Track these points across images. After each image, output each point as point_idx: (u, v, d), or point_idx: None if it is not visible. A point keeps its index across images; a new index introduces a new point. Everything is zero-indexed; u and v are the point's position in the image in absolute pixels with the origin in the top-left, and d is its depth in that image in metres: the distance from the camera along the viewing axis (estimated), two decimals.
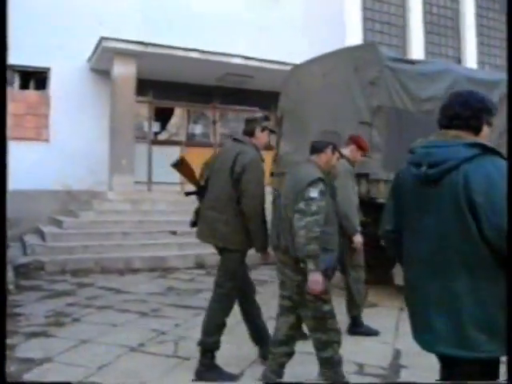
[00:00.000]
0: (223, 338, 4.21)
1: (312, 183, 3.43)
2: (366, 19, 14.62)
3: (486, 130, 2.30)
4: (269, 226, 4.04)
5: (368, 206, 6.58)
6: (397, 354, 4.87)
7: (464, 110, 2.26)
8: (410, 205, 2.36)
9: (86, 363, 4.45)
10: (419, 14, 15.36)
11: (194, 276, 8.80)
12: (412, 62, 6.82)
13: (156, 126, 13.72)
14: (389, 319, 6.07)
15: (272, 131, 4.40)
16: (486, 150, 2.17)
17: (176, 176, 11.74)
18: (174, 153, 12.62)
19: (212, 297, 4.17)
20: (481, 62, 16.42)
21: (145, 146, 12.97)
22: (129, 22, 11.96)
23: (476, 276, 2.13)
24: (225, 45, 11.81)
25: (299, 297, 3.54)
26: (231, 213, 3.95)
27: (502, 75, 8.79)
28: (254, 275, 8.99)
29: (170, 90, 13.11)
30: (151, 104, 13.31)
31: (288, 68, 8.59)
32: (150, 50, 11.22)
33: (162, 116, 13.86)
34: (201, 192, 4.22)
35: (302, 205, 3.38)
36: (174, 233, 10.23)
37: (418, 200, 2.29)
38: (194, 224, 4.30)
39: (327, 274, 3.41)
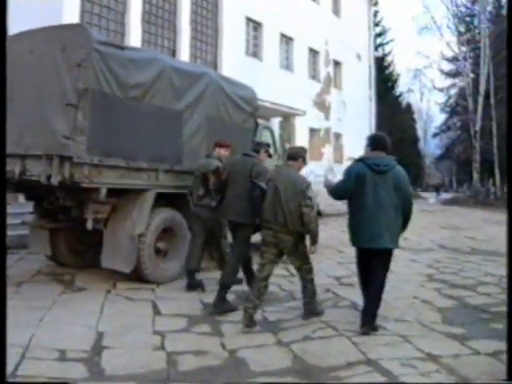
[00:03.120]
0: None
1: (309, 186, 5.39)
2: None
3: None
4: None
5: (70, 190, 6.42)
6: (100, 337, 4.88)
7: (382, 143, 5.38)
8: (369, 182, 5.13)
9: None
10: (138, 2, 15.44)
11: None
12: (122, 48, 6.77)
13: None
14: (95, 302, 6.05)
15: (270, 155, 6.86)
16: (397, 162, 5.30)
17: None
18: None
19: (230, 255, 6.41)
20: (193, 56, 17.26)
21: None
22: None
23: (396, 214, 5.15)
24: None
25: (293, 249, 5.46)
26: (249, 201, 5.88)
27: (206, 69, 9.41)
28: None
29: None
30: None
31: None
32: None
33: None
34: (222, 187, 6.28)
35: (308, 202, 5.27)
36: None
37: (374, 182, 5.14)
38: (216, 208, 6.56)
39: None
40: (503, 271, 8.83)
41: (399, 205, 5.15)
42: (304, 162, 5.67)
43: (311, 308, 5.66)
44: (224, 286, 5.94)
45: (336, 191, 5.47)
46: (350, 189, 5.22)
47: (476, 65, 35.09)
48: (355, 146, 27.09)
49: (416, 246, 11.97)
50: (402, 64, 77.94)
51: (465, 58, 35.44)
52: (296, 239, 5.41)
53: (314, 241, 5.39)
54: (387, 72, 43.43)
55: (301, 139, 22.41)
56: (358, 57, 29.47)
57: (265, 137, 10.20)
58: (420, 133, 54.70)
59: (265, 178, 5.77)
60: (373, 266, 5.26)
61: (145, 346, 4.68)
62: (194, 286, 6.87)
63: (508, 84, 4.37)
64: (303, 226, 5.27)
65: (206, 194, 6.94)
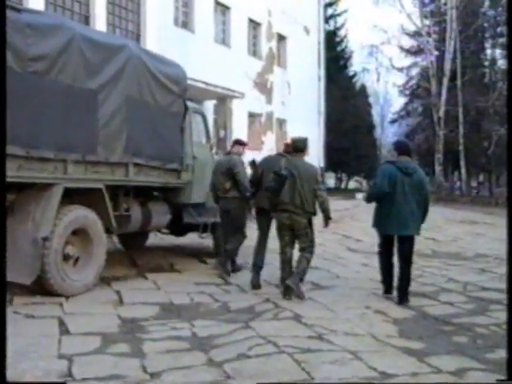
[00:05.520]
0: None
1: (319, 172, 7.96)
2: None
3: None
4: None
5: None
6: None
7: (408, 149, 7.85)
8: (399, 183, 7.30)
9: None
10: None
11: None
12: (18, 10, 6.51)
13: None
14: None
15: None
16: (419, 166, 8.82)
17: None
18: None
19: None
20: (111, 25, 16.85)
21: None
22: None
23: (418, 207, 7.42)
24: None
25: (304, 231, 7.48)
26: None
27: (125, 40, 9.28)
28: None
29: None
30: None
31: None
32: None
33: None
34: (258, 180, 8.34)
35: (321, 186, 7.60)
36: None
37: (403, 181, 7.32)
38: (253, 196, 8.60)
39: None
40: (468, 277, 9.18)
41: (421, 200, 7.42)
42: (307, 152, 7.96)
43: (298, 286, 7.37)
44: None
45: (375, 192, 7.62)
46: (386, 188, 7.35)
47: (441, 41, 36.04)
48: (302, 134, 27.34)
49: (368, 249, 12.19)
50: (356, 39, 79.14)
51: (428, 33, 36.29)
52: (307, 222, 7.50)
53: (328, 217, 7.61)
54: (339, 48, 43.97)
55: (238, 125, 22.48)
56: (306, 30, 29.78)
57: (196, 122, 10.19)
58: (376, 119, 55.87)
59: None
60: (401, 250, 7.52)
61: (46, 373, 4.54)
62: (236, 270, 9.11)
63: (508, 83, 4.88)
64: (317, 205, 7.49)
65: (232, 187, 8.88)
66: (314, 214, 7.62)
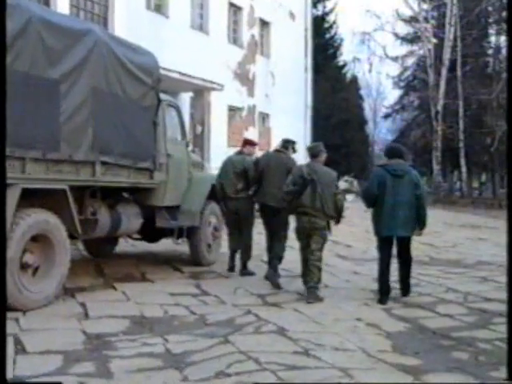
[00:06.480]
0: None
1: (337, 178, 8.72)
2: None
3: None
4: None
5: None
6: None
7: (397, 152, 8.53)
8: (389, 185, 8.06)
9: None
10: None
11: None
12: None
13: None
14: None
15: (294, 150, 9.89)
16: (412, 167, 9.36)
17: None
18: None
19: (274, 239, 9.38)
20: (74, 7, 16.69)
21: None
22: None
23: (412, 209, 8.15)
24: None
25: (320, 231, 8.22)
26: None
27: (91, 25, 9.20)
28: None
29: None
30: None
31: None
32: None
33: None
34: (259, 178, 9.45)
35: (339, 190, 8.52)
36: None
37: (393, 184, 8.07)
38: (255, 194, 9.64)
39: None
40: (469, 286, 9.20)
41: (414, 202, 8.12)
42: (322, 156, 8.73)
43: (315, 293, 8.07)
44: (276, 261, 9.13)
45: (365, 196, 8.59)
46: (375, 191, 8.18)
47: (440, 27, 36.17)
48: (287, 130, 27.42)
49: (360, 255, 12.28)
50: (346, 26, 79.22)
51: (426, 19, 36.52)
52: (325, 224, 8.33)
53: (339, 222, 8.62)
54: (328, 36, 44.18)
55: (217, 120, 22.42)
56: (292, 16, 29.81)
57: (170, 117, 10.16)
58: (368, 113, 56.13)
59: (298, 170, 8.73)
60: (399, 249, 8.38)
61: None
62: (233, 267, 10.01)
63: (508, 80, 5.06)
64: (336, 210, 8.28)
65: (243, 187, 9.79)
66: (333, 217, 8.36)
